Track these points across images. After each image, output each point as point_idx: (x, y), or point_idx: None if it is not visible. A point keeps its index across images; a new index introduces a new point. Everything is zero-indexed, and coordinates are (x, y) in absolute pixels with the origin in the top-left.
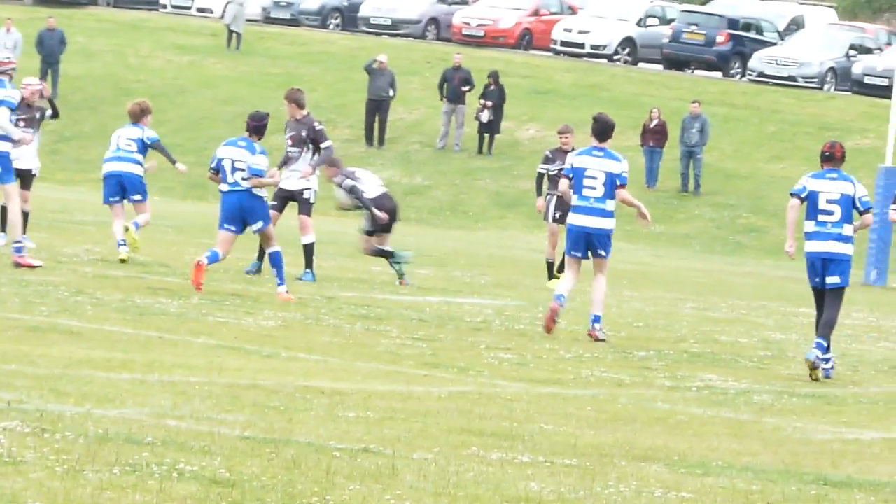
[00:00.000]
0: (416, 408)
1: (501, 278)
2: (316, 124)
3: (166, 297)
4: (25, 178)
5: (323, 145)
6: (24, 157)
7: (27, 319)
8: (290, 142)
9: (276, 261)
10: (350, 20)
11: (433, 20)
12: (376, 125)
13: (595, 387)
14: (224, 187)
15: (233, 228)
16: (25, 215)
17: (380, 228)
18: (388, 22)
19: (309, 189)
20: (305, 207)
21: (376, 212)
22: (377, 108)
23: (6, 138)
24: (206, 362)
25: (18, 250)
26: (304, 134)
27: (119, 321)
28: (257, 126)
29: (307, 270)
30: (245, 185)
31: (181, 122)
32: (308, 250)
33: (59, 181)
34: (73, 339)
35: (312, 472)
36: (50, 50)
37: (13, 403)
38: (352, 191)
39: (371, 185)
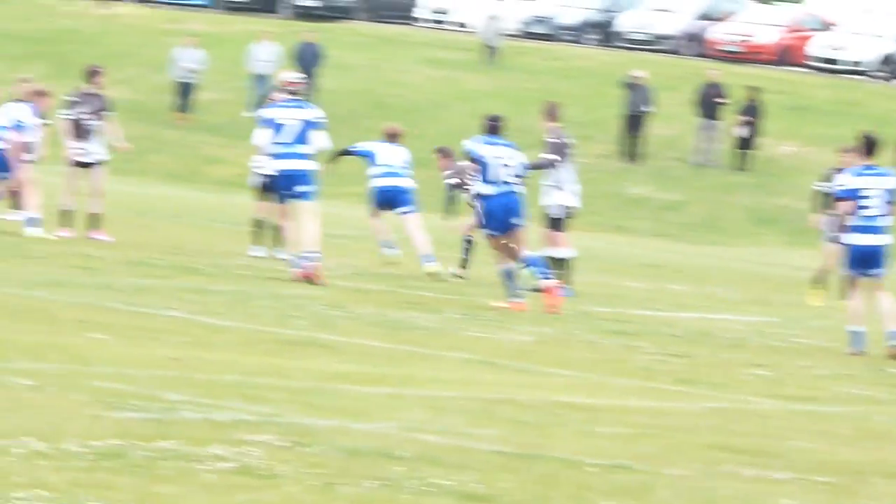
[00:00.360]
0: (671, 424)
1: (757, 295)
2: (547, 136)
3: (421, 311)
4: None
5: (543, 154)
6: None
7: (283, 333)
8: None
9: (532, 262)
10: (608, 35)
11: (691, 35)
12: (633, 140)
13: (850, 404)
14: (489, 189)
15: (498, 231)
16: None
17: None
18: (647, 37)
19: (551, 206)
20: (551, 223)
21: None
22: (634, 123)
23: (292, 156)
24: (461, 377)
25: (301, 263)
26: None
27: (374, 335)
28: (500, 126)
29: (565, 285)
30: (515, 182)
31: (438, 136)
32: (564, 265)
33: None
34: (328, 353)
35: (566, 488)
36: (307, 64)
37: (268, 417)
38: (455, 187)
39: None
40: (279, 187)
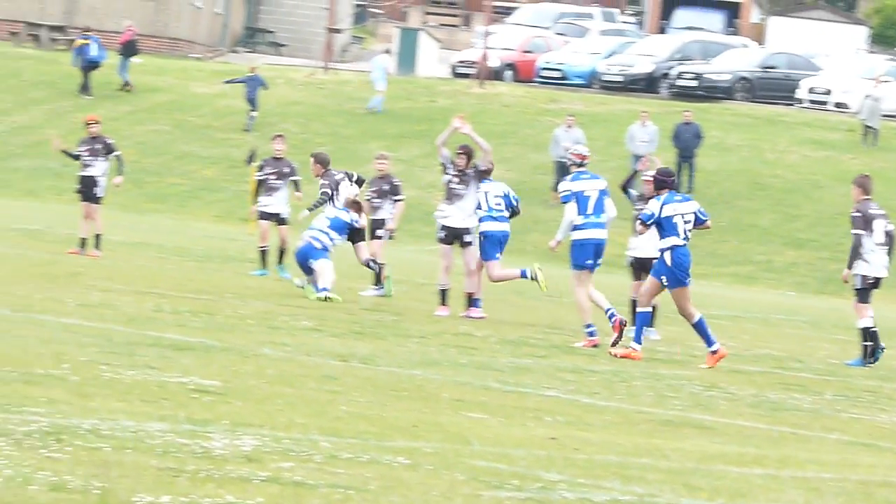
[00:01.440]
0: None
1: None
2: (853, 211)
3: (800, 392)
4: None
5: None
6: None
7: (660, 413)
8: None
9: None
10: None
11: None
12: None
13: None
14: (678, 242)
15: (680, 284)
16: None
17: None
18: None
19: (855, 276)
20: (855, 294)
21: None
22: None
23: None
24: (840, 459)
25: (591, 334)
26: None
27: (752, 416)
28: (674, 181)
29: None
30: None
31: (815, 217)
32: (862, 335)
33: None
34: (705, 434)
35: None
36: (685, 144)
37: (645, 497)
38: (327, 197)
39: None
40: (585, 257)
